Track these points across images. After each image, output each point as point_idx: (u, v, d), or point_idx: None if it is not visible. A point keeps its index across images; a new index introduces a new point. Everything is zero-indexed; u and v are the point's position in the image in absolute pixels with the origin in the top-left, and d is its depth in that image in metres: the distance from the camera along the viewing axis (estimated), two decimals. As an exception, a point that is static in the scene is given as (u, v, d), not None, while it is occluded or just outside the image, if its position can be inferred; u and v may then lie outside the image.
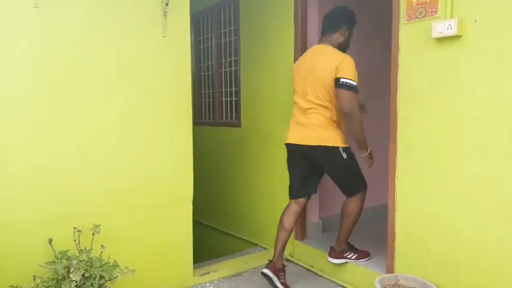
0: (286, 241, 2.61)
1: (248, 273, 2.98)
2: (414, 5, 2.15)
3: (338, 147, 2.43)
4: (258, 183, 3.59)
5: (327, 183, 2.85)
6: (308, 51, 2.60)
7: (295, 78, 2.57)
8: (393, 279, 2.23)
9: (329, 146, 2.43)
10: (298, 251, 3.17)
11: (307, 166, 2.61)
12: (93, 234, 2.19)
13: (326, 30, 2.54)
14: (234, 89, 3.95)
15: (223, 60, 4.12)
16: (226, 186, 4.05)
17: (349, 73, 2.30)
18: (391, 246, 2.39)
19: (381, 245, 2.63)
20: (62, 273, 1.98)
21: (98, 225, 2.20)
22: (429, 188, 2.17)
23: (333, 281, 2.78)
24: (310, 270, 2.98)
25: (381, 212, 2.77)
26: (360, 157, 2.55)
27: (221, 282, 2.85)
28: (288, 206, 2.68)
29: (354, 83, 2.31)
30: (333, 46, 2.48)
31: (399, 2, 2.24)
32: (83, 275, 1.99)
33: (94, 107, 2.31)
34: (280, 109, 3.26)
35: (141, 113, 2.48)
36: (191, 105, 2.69)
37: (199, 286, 2.76)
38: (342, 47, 2.52)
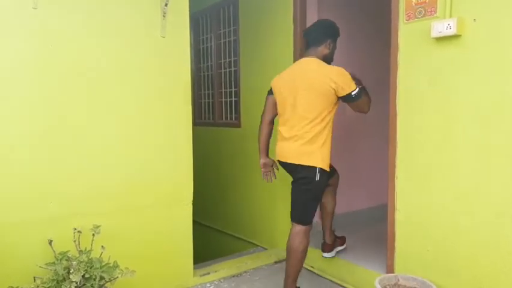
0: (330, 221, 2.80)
1: (248, 274, 2.98)
2: (413, 4, 2.15)
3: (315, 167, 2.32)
4: (258, 183, 3.59)
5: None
6: (294, 64, 2.51)
7: (283, 91, 2.41)
8: (394, 279, 2.23)
9: (309, 166, 2.32)
10: (299, 251, 3.17)
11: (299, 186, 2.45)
12: (93, 235, 2.19)
13: (311, 44, 2.44)
14: (233, 90, 3.96)
15: (222, 61, 4.12)
16: (226, 187, 4.05)
17: (349, 82, 2.26)
18: (391, 246, 2.39)
19: (381, 245, 2.62)
20: (62, 274, 1.98)
21: (98, 226, 2.20)
22: (429, 188, 2.17)
23: (333, 281, 2.78)
24: (311, 271, 2.97)
25: (381, 212, 2.77)
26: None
27: (221, 282, 2.84)
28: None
29: (359, 87, 2.29)
30: (319, 59, 2.40)
31: (399, 2, 2.24)
32: (83, 276, 1.99)
33: (93, 107, 2.31)
34: (279, 109, 3.26)
35: (140, 114, 2.48)
36: (190, 105, 2.69)
37: (199, 286, 2.76)
38: (327, 60, 2.45)
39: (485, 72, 1.90)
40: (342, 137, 3.21)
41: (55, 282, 1.98)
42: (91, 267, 2.03)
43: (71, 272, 1.96)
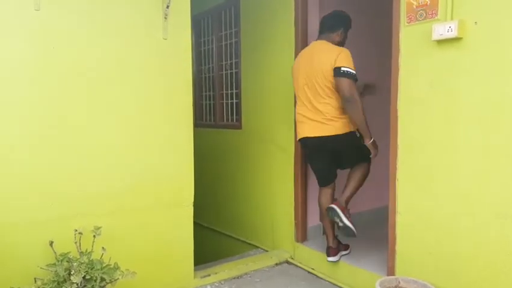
0: None
1: (249, 276, 2.98)
2: (414, 7, 2.16)
3: (354, 132, 2.61)
4: (259, 185, 3.59)
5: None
6: (307, 47, 2.76)
7: (298, 72, 2.69)
8: (394, 282, 2.23)
9: (346, 133, 2.58)
10: (299, 253, 3.17)
11: (326, 155, 2.75)
12: (94, 236, 2.19)
13: (325, 30, 2.70)
14: (234, 91, 3.96)
15: (223, 63, 4.12)
16: (227, 188, 4.05)
17: (347, 62, 2.46)
18: (392, 249, 2.38)
19: (382, 247, 2.62)
20: (63, 276, 1.98)
21: (99, 228, 2.20)
22: (430, 190, 2.17)
23: (334, 284, 2.78)
24: (312, 273, 2.97)
25: (382, 214, 2.77)
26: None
27: (222, 284, 2.84)
28: (321, 191, 2.85)
29: (353, 72, 2.45)
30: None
31: (400, 5, 2.25)
32: (84, 277, 1.99)
33: (94, 109, 2.32)
34: (281, 111, 3.26)
35: (142, 115, 2.48)
36: (192, 107, 2.69)
37: (199, 288, 2.76)
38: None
39: (486, 75, 1.91)
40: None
41: (56, 283, 1.98)
42: (91, 269, 2.03)
43: (71, 273, 1.96)
